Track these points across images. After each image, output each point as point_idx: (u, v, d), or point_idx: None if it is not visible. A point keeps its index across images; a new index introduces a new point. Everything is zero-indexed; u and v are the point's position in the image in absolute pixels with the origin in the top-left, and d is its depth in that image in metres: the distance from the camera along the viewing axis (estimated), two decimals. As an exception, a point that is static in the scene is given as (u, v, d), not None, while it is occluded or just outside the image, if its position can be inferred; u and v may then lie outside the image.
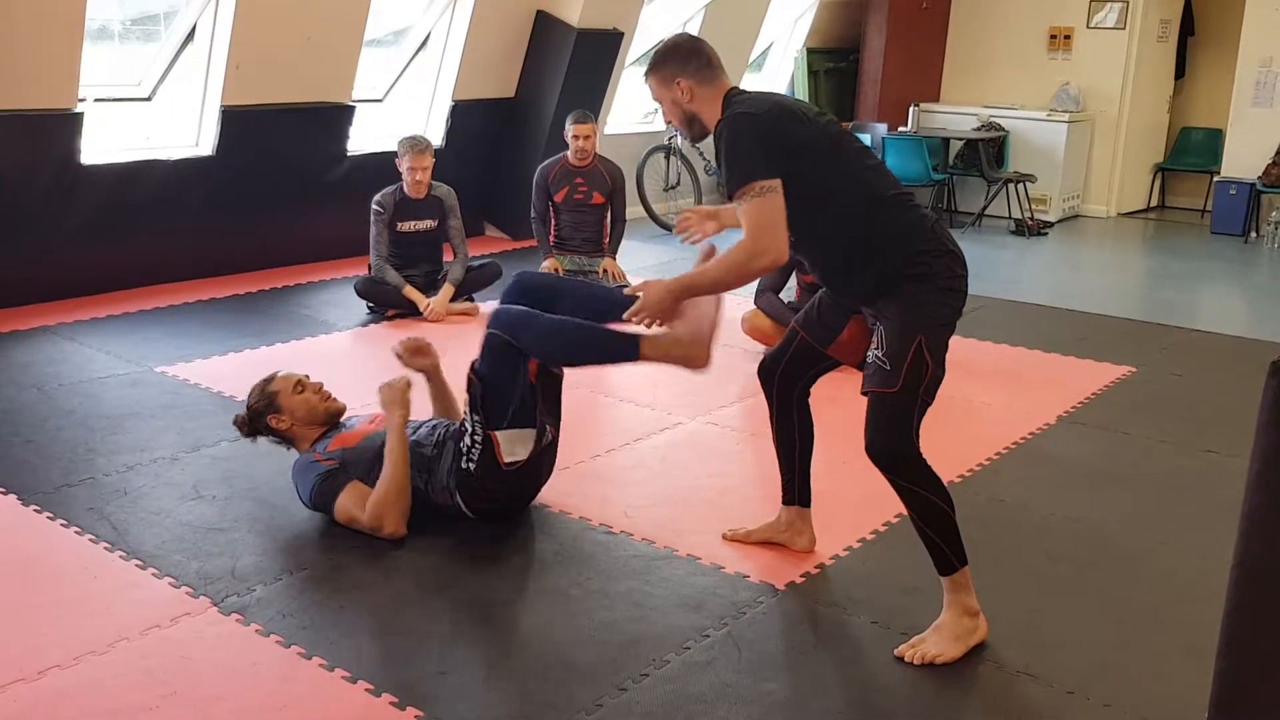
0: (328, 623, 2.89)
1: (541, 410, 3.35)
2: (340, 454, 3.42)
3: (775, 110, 2.81)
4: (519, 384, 3.29)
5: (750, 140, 2.74)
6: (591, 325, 3.23)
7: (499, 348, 3.25)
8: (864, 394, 2.79)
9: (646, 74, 3.01)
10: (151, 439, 4.11)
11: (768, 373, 3.18)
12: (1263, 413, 1.62)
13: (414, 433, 3.47)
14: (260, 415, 3.50)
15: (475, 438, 3.31)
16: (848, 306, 3.01)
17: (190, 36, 6.35)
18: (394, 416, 3.37)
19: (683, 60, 2.94)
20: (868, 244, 2.80)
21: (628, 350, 3.18)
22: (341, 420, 3.58)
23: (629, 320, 3.04)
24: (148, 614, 2.90)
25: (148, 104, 6.49)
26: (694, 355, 3.15)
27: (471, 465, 3.33)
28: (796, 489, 3.31)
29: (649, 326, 3.02)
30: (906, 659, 2.79)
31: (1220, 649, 1.69)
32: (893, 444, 2.74)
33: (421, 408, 3.63)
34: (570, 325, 3.23)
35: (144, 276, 6.36)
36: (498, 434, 3.29)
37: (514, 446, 3.31)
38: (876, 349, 2.77)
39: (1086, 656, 2.85)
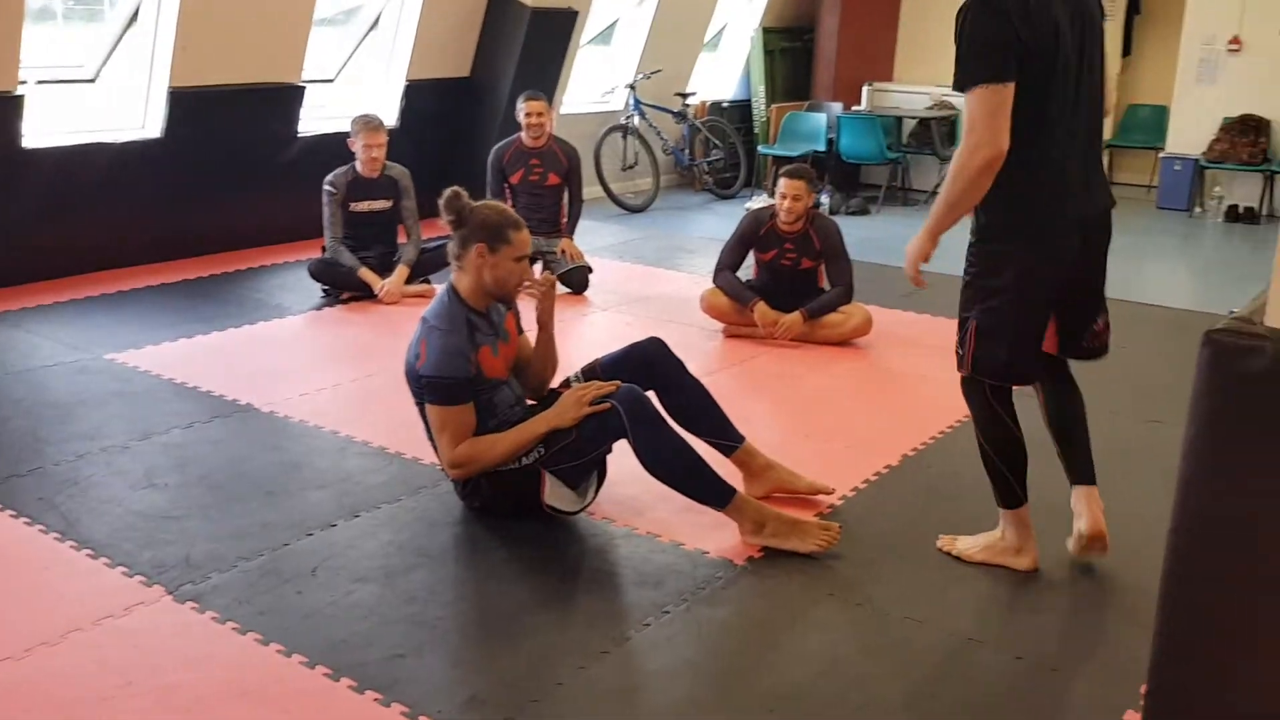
0: (284, 608, 2.88)
1: (595, 477, 3.40)
2: (478, 371, 3.30)
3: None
4: (598, 454, 3.33)
5: (981, 28, 2.72)
6: (701, 464, 3.24)
7: (611, 424, 3.22)
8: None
9: None
10: (101, 427, 4.06)
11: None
12: (1196, 382, 1.67)
13: (498, 390, 3.40)
14: (485, 232, 3.28)
15: (525, 460, 3.28)
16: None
17: (135, 17, 6.26)
18: (560, 419, 3.25)
19: None
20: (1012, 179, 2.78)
21: (719, 499, 3.23)
22: (502, 313, 3.44)
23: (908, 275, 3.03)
24: (101, 604, 2.87)
25: (91, 86, 6.38)
26: (790, 543, 3.23)
27: (512, 465, 3.29)
28: (1077, 464, 3.15)
29: (915, 281, 3.06)
30: (940, 546, 3.24)
31: (1158, 609, 1.74)
32: (968, 395, 3.05)
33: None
34: (688, 455, 3.23)
35: (91, 262, 6.25)
36: (548, 474, 3.28)
37: (559, 493, 3.30)
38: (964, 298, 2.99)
39: (1038, 623, 2.91)
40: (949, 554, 3.21)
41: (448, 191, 3.32)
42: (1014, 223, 2.86)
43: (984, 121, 2.70)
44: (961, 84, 2.76)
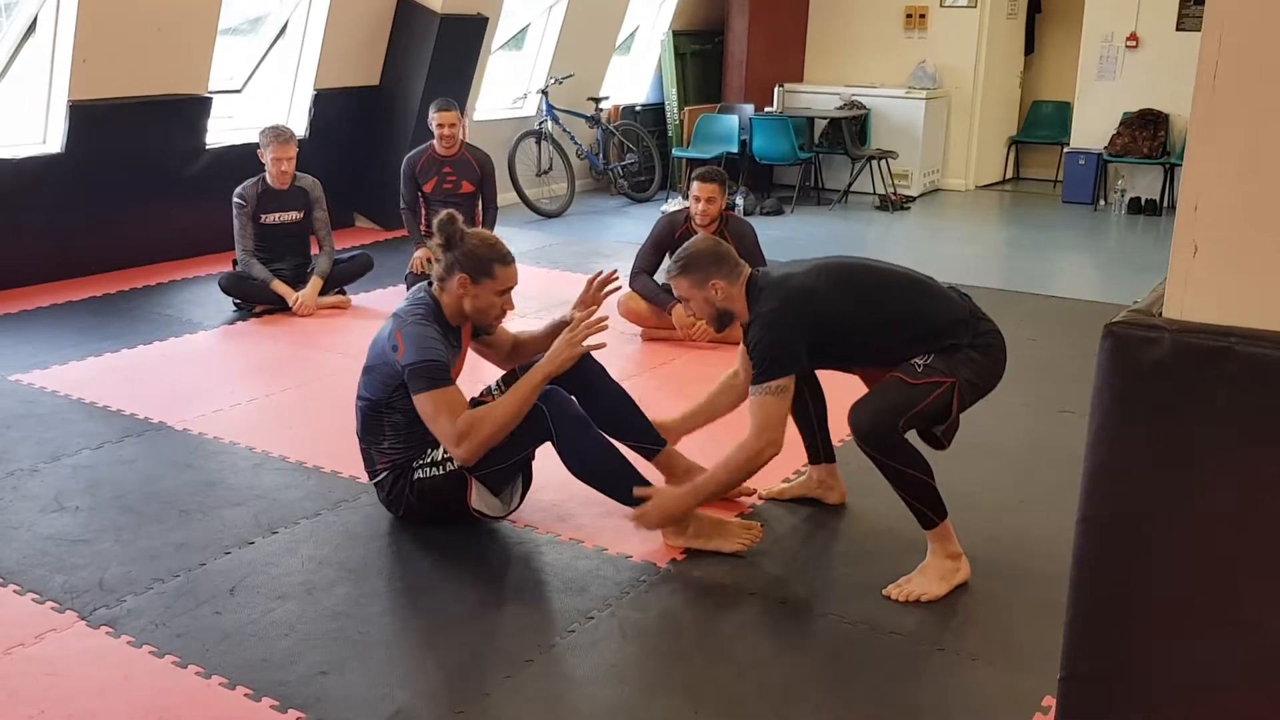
0: (202, 629, 2.83)
1: (520, 482, 3.40)
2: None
3: (795, 299, 3.07)
4: (523, 457, 3.31)
5: (775, 336, 3.03)
6: (626, 465, 3.29)
7: (537, 425, 3.20)
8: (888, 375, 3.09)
9: (678, 275, 3.20)
10: (7, 450, 3.94)
11: None
12: (1099, 373, 1.72)
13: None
14: (470, 263, 3.24)
15: (450, 465, 3.26)
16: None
17: (32, 28, 6.08)
18: (554, 365, 3.19)
19: (715, 264, 3.16)
20: (910, 357, 3.09)
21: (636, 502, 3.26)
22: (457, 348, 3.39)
23: (631, 519, 3.22)
24: (10, 632, 2.79)
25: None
26: (714, 543, 3.27)
27: (435, 473, 3.28)
28: (821, 449, 3.58)
29: (651, 529, 3.24)
30: (894, 597, 3.00)
31: (1069, 598, 1.79)
32: (877, 426, 2.99)
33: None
34: (613, 457, 3.27)
35: (-7, 281, 6.08)
36: (474, 479, 3.26)
37: (484, 499, 3.29)
38: (923, 358, 3.05)
39: (954, 614, 2.96)
40: (907, 601, 3.00)
41: (443, 213, 3.31)
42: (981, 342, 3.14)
43: (778, 424, 3.03)
44: (756, 382, 3.04)
